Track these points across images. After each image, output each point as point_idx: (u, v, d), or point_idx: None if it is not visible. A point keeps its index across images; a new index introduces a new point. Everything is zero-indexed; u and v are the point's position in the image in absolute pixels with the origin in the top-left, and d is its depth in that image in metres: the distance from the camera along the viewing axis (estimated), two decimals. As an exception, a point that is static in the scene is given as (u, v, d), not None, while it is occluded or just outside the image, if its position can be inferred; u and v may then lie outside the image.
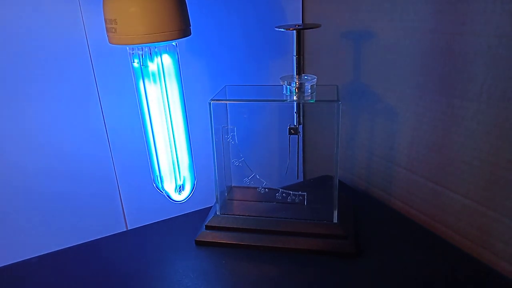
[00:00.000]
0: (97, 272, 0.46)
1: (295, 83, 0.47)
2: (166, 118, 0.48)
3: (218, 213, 0.52)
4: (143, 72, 0.46)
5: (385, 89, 0.55)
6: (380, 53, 0.54)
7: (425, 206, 0.53)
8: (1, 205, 0.55)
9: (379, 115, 0.57)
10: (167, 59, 0.46)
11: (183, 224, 0.54)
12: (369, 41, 0.55)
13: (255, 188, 0.53)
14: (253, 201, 0.55)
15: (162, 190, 0.51)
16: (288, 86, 0.47)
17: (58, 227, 0.59)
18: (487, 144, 0.43)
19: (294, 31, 0.45)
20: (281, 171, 0.58)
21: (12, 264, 0.48)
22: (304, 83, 0.47)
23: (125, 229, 0.61)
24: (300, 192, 0.53)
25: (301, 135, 0.53)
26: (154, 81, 0.46)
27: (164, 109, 0.48)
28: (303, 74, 0.48)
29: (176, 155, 0.50)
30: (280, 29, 0.46)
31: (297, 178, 0.55)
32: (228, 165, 0.53)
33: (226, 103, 0.51)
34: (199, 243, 0.50)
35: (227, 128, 0.51)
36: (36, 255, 0.49)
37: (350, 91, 0.61)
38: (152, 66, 0.45)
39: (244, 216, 0.51)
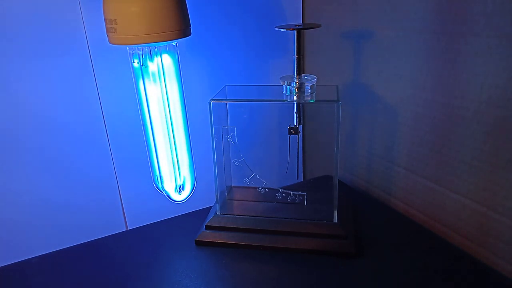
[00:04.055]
0: (97, 272, 0.46)
1: (295, 83, 0.47)
2: (166, 118, 0.48)
3: (218, 213, 0.52)
4: (143, 72, 0.46)
5: (385, 89, 0.55)
6: (380, 53, 0.54)
7: (425, 206, 0.53)
8: (1, 205, 0.55)
9: (379, 115, 0.57)
10: (167, 59, 0.46)
11: (183, 224, 0.54)
12: (369, 41, 0.55)
13: (255, 188, 0.53)
14: (253, 201, 0.55)
15: (162, 190, 0.51)
16: (288, 86, 0.47)
17: (58, 227, 0.59)
18: (487, 144, 0.43)
19: (294, 31, 0.45)
20: (281, 171, 0.57)
21: (12, 264, 0.48)
22: (304, 83, 0.47)
23: (125, 229, 0.61)
24: (300, 192, 0.53)
25: (301, 135, 0.53)
26: (154, 81, 0.46)
27: (164, 109, 0.48)
28: (303, 74, 0.48)
29: (176, 155, 0.50)
30: (280, 29, 0.46)
31: (297, 178, 0.55)
32: (228, 165, 0.53)
33: (226, 103, 0.51)
34: (199, 243, 0.50)
35: (227, 128, 0.51)
36: (36, 255, 0.49)
37: (350, 91, 0.61)
38: (152, 66, 0.45)
39: (244, 216, 0.51)
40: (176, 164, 0.50)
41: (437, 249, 0.47)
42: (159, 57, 0.45)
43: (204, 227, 0.51)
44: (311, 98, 0.47)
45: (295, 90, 0.47)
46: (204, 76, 0.62)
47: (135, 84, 0.47)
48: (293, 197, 0.53)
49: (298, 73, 0.47)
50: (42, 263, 0.48)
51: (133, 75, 0.47)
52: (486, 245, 0.46)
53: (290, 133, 0.51)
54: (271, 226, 0.50)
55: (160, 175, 0.51)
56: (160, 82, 0.46)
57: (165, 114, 0.48)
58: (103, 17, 0.42)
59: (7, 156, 0.53)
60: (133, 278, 0.45)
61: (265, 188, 0.53)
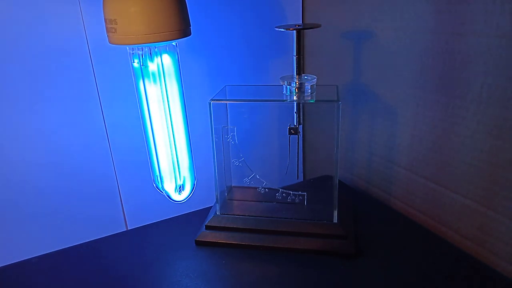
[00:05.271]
0: (97, 272, 0.46)
1: (295, 83, 0.47)
2: (166, 118, 0.48)
3: (218, 213, 0.52)
4: (143, 72, 0.46)
5: (385, 89, 0.55)
6: (380, 53, 0.54)
7: (425, 206, 0.53)
8: (1, 205, 0.55)
9: (379, 115, 0.57)
10: (167, 59, 0.46)
11: (183, 224, 0.54)
12: (369, 41, 0.55)
13: (255, 188, 0.53)
14: (253, 201, 0.55)
15: (162, 190, 0.51)
16: (288, 86, 0.47)
17: (58, 227, 0.59)
18: (487, 144, 0.43)
19: (294, 31, 0.45)
20: (281, 171, 0.58)
21: (12, 264, 0.48)
22: (304, 83, 0.47)
23: (125, 229, 0.61)
24: (300, 192, 0.53)
25: (301, 135, 0.53)
26: (154, 81, 0.46)
27: (164, 109, 0.48)
28: (303, 74, 0.48)
29: (176, 155, 0.50)
30: (280, 29, 0.46)
31: (297, 178, 0.55)
32: (228, 165, 0.53)
33: (226, 103, 0.51)
34: (199, 243, 0.50)
35: (227, 128, 0.51)
36: (36, 255, 0.49)
37: (350, 91, 0.61)
38: (152, 66, 0.45)
39: (244, 216, 0.51)
40: (176, 164, 0.50)
41: (437, 249, 0.47)
42: (159, 57, 0.45)
43: (204, 227, 0.51)
44: (311, 98, 0.47)
45: (295, 90, 0.47)
46: (204, 76, 0.62)
47: (135, 84, 0.47)
48: (293, 197, 0.53)
49: (298, 73, 0.47)
50: (42, 263, 0.48)
51: (133, 75, 0.47)
52: (486, 245, 0.46)
53: (290, 133, 0.51)
54: (271, 226, 0.50)
55: (160, 175, 0.51)
56: (160, 82, 0.46)
57: (165, 114, 0.48)
58: (103, 17, 0.42)
59: (6, 156, 0.53)
60: (133, 278, 0.45)
61: (265, 188, 0.53)
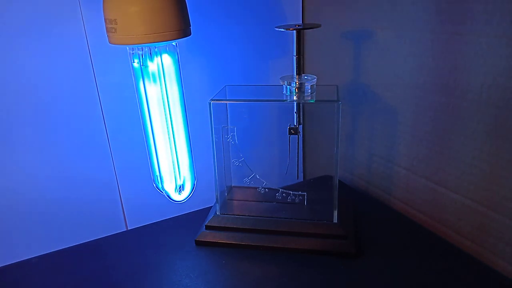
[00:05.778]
0: (97, 272, 0.46)
1: (295, 83, 0.47)
2: (166, 118, 0.48)
3: (218, 213, 0.52)
4: (143, 72, 0.46)
5: (385, 89, 0.55)
6: (380, 53, 0.54)
7: (425, 206, 0.53)
8: (1, 205, 0.55)
9: (379, 115, 0.57)
10: (167, 59, 0.46)
11: (183, 224, 0.54)
12: (369, 41, 0.55)
13: (255, 188, 0.53)
14: (253, 201, 0.55)
15: (162, 190, 0.51)
16: (288, 86, 0.47)
17: (58, 227, 0.59)
18: (487, 144, 0.43)
19: (294, 31, 0.45)
20: (281, 171, 0.57)
21: (12, 264, 0.48)
22: (304, 83, 0.47)
23: (125, 229, 0.61)
24: (300, 192, 0.53)
25: (301, 135, 0.53)
26: (154, 81, 0.46)
27: (164, 109, 0.48)
28: (303, 74, 0.48)
29: (176, 155, 0.50)
30: (280, 29, 0.46)
31: (297, 178, 0.55)
32: (228, 165, 0.53)
33: (226, 103, 0.51)
34: (199, 243, 0.50)
35: (227, 128, 0.51)
36: (36, 255, 0.49)
37: (350, 91, 0.61)
38: (152, 66, 0.45)
39: (244, 216, 0.51)
40: (176, 164, 0.50)
41: (437, 249, 0.47)
42: (159, 57, 0.45)
43: (204, 227, 0.51)
44: (311, 98, 0.47)
45: (295, 90, 0.47)
46: (204, 76, 0.62)
47: (135, 84, 0.47)
48: (293, 197, 0.53)
49: (298, 73, 0.47)
50: (42, 263, 0.48)
51: (133, 75, 0.47)
52: (486, 245, 0.46)
53: (290, 133, 0.51)
54: (271, 226, 0.50)
55: (160, 175, 0.51)
56: (160, 82, 0.46)
57: (165, 114, 0.48)
58: (103, 17, 0.42)
59: (7, 156, 0.53)
60: (133, 278, 0.45)
61: (265, 188, 0.53)
